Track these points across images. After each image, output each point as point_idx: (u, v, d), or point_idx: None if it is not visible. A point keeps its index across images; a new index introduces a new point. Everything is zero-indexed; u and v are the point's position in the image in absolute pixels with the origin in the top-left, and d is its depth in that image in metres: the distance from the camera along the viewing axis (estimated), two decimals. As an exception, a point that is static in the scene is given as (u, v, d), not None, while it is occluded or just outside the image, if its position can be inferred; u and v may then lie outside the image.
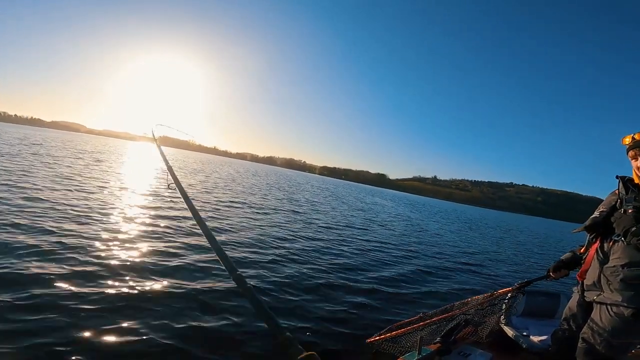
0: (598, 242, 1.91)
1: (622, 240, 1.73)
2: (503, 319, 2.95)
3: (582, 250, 2.10)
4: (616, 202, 1.85)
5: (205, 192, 13.92)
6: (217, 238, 4.85)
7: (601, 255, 1.85)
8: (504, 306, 2.85)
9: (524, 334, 2.79)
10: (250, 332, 3.00)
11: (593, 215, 1.94)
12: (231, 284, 3.82)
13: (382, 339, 2.56)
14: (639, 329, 1.75)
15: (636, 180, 1.82)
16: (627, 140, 1.82)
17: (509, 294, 2.73)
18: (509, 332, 2.80)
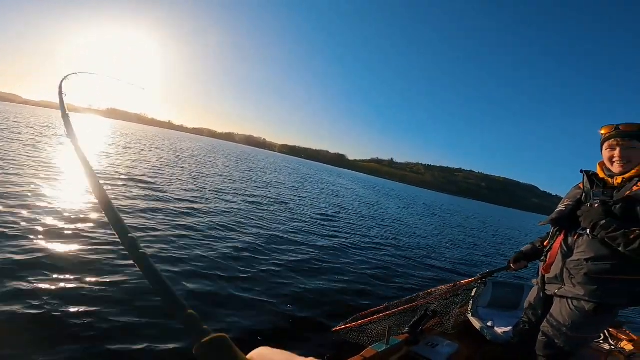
0: (562, 235, 1.90)
1: (587, 234, 1.73)
2: (470, 310, 2.98)
3: (545, 244, 2.08)
4: (581, 195, 1.85)
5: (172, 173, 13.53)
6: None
7: (565, 248, 1.85)
8: (467, 297, 2.88)
9: (489, 325, 2.82)
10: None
11: (559, 209, 1.93)
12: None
13: (348, 327, 2.53)
14: (598, 323, 1.79)
15: (601, 175, 1.83)
16: (608, 129, 1.80)
17: (472, 285, 2.75)
18: (475, 323, 2.84)
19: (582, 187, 1.88)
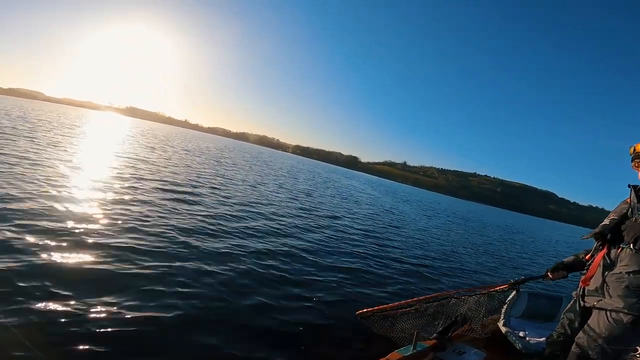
0: (605, 248, 1.91)
1: (630, 248, 1.74)
2: (502, 319, 2.93)
3: (587, 257, 2.07)
4: (627, 210, 1.85)
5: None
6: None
7: (608, 261, 1.86)
8: (498, 303, 2.90)
9: (521, 335, 2.79)
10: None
11: (603, 223, 1.95)
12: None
13: (372, 311, 2.62)
14: (635, 336, 1.77)
15: None
16: (632, 150, 1.86)
17: (506, 290, 2.71)
18: (506, 332, 2.81)
19: (629, 201, 1.89)
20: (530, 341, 2.72)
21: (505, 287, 2.63)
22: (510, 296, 3.02)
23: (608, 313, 1.80)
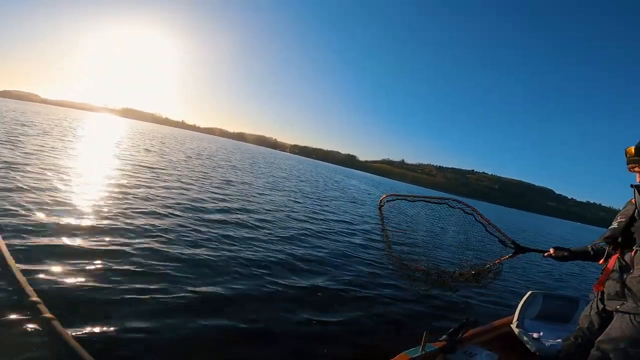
0: (618, 252, 1.90)
1: None
2: (515, 320, 2.92)
3: (601, 262, 2.06)
4: (634, 212, 1.84)
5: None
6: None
7: (623, 264, 1.85)
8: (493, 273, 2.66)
9: (535, 337, 2.74)
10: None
11: (612, 226, 1.93)
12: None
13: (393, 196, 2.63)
14: None
15: None
16: (626, 153, 1.86)
17: (509, 258, 2.45)
18: (519, 334, 2.78)
19: (634, 202, 1.87)
20: (545, 343, 2.68)
21: (507, 257, 2.42)
22: (524, 298, 3.04)
23: (632, 317, 1.80)
